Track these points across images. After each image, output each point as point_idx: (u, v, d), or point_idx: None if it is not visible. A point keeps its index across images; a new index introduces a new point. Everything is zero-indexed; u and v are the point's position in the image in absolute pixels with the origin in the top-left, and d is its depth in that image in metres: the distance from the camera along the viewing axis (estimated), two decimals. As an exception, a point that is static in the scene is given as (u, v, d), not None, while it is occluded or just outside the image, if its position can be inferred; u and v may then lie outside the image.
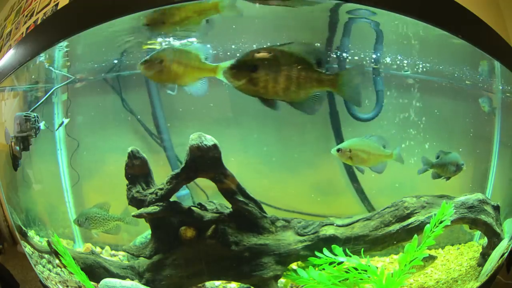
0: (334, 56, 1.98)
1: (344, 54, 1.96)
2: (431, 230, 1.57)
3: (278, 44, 1.30)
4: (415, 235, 1.59)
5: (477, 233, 2.04)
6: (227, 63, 1.34)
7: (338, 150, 1.63)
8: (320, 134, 2.12)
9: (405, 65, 1.96)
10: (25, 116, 1.87)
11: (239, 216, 1.65)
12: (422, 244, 1.57)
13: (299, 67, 1.28)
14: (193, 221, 1.65)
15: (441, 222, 1.58)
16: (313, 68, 1.29)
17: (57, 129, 2.10)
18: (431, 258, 1.67)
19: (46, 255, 1.92)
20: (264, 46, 1.32)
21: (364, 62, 2.00)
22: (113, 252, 2.10)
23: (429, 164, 1.86)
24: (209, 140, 1.57)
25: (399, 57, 1.95)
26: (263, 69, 1.27)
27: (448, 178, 1.87)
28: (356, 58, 1.98)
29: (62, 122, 2.08)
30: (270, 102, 1.32)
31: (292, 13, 1.64)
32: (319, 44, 1.70)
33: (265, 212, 1.70)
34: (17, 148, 1.88)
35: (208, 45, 1.51)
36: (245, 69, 1.28)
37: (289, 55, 1.28)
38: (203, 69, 1.46)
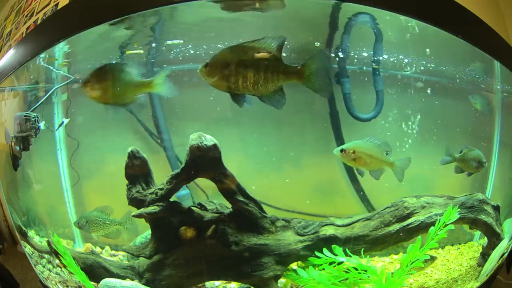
0: (334, 55, 1.99)
1: (344, 54, 1.97)
2: (435, 232, 1.57)
3: (251, 40, 1.35)
4: (419, 237, 1.60)
5: (477, 233, 2.04)
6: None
7: (341, 151, 1.63)
8: (320, 134, 2.12)
9: (405, 64, 1.96)
10: (25, 116, 1.87)
11: (239, 216, 1.65)
12: (425, 245, 1.57)
13: (266, 62, 1.34)
14: (193, 221, 1.65)
15: (445, 226, 1.59)
16: (280, 62, 1.34)
17: (57, 129, 2.10)
18: (431, 259, 1.67)
19: (46, 255, 1.92)
20: (236, 44, 1.37)
21: (365, 62, 2.00)
22: (113, 252, 2.10)
23: (452, 157, 1.86)
24: (209, 140, 1.57)
25: (399, 57, 1.95)
26: (233, 65, 1.33)
27: (470, 174, 1.88)
28: (356, 58, 1.99)
29: (62, 122, 2.08)
30: (239, 97, 1.38)
31: (292, 13, 1.64)
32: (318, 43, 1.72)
33: (265, 212, 1.70)
34: (17, 148, 1.88)
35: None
36: (217, 66, 1.35)
37: (258, 51, 1.34)
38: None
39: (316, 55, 1.38)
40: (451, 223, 1.61)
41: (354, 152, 1.61)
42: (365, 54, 1.97)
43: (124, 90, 1.53)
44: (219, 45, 1.86)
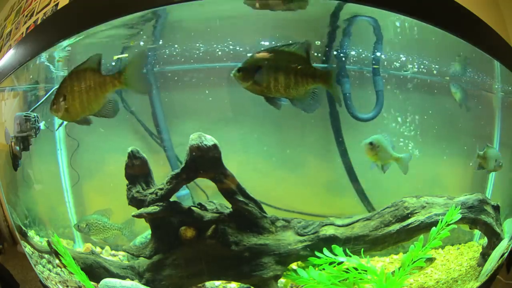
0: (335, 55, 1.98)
1: (344, 54, 1.97)
2: (437, 232, 1.58)
3: (279, 44, 1.40)
4: (421, 236, 1.60)
5: (477, 233, 2.04)
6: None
7: (370, 144, 1.65)
8: (320, 134, 2.12)
9: (405, 64, 1.96)
10: (25, 116, 1.87)
11: (239, 216, 1.65)
12: (427, 244, 1.57)
13: (296, 65, 1.38)
14: (193, 221, 1.65)
15: (448, 225, 1.59)
16: (309, 65, 1.40)
17: (57, 129, 2.10)
18: (429, 260, 1.67)
19: (46, 255, 1.92)
20: (266, 48, 1.42)
21: (365, 62, 2.00)
22: (113, 252, 2.10)
23: (476, 154, 1.88)
24: (209, 140, 1.57)
25: (399, 56, 1.95)
26: (265, 69, 1.37)
27: (489, 172, 1.92)
28: (355, 58, 1.99)
29: (62, 122, 2.08)
30: (273, 100, 1.43)
31: (292, 13, 1.64)
32: (319, 42, 1.74)
33: (265, 212, 1.70)
34: (17, 148, 1.88)
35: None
36: (250, 71, 1.38)
37: (287, 54, 1.39)
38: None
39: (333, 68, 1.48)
40: (453, 223, 1.61)
41: (378, 146, 1.63)
42: (365, 54, 1.97)
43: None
44: (219, 45, 1.86)
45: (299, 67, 1.38)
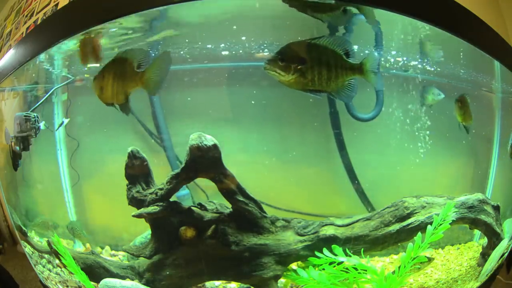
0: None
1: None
2: (435, 227, 1.58)
3: (309, 38, 1.36)
4: (419, 233, 1.60)
5: (477, 233, 2.04)
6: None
7: (460, 101, 1.68)
8: (320, 134, 2.12)
9: (406, 64, 1.96)
10: (25, 116, 1.87)
11: (239, 216, 1.65)
12: (424, 241, 1.57)
13: (335, 58, 1.37)
14: (193, 221, 1.65)
15: (444, 221, 1.59)
16: (344, 58, 1.38)
17: (57, 129, 2.10)
18: (428, 260, 1.67)
19: (46, 255, 1.92)
20: (304, 40, 1.37)
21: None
22: (113, 252, 2.10)
23: (510, 144, 1.89)
24: (209, 140, 1.57)
25: (399, 56, 1.95)
26: (310, 61, 1.33)
27: None
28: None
29: (62, 122, 2.08)
30: (313, 92, 1.39)
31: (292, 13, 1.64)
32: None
33: (265, 212, 1.70)
34: (17, 148, 1.88)
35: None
36: (294, 61, 1.32)
37: (325, 48, 1.35)
38: None
39: (370, 54, 1.45)
40: (452, 221, 1.61)
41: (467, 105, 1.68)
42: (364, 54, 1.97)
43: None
44: (219, 46, 1.86)
45: (338, 61, 1.36)
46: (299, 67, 1.32)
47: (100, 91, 1.50)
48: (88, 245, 2.08)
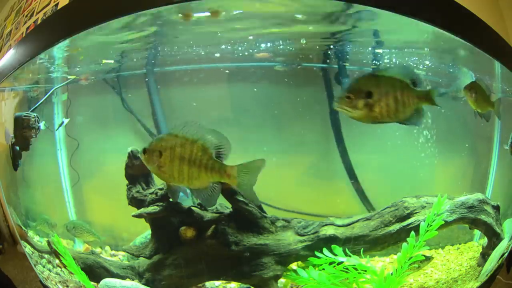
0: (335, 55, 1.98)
1: (344, 54, 1.97)
2: (428, 224, 1.57)
3: (377, 70, 1.42)
4: (412, 233, 1.59)
5: (477, 233, 2.04)
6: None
7: (469, 89, 1.62)
8: (320, 134, 2.12)
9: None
10: (25, 116, 1.87)
11: (239, 216, 1.65)
12: (420, 239, 1.57)
13: (402, 88, 1.37)
14: (193, 221, 1.65)
15: (438, 215, 1.59)
16: (411, 87, 1.39)
17: (57, 129, 2.10)
18: (427, 259, 1.67)
19: (46, 255, 1.92)
20: (368, 73, 1.41)
21: (365, 62, 2.00)
22: (113, 252, 2.10)
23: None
24: (209, 140, 1.56)
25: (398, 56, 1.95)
26: (377, 94, 1.35)
27: None
28: (355, 58, 1.99)
29: (62, 122, 2.08)
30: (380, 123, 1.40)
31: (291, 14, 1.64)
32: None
33: (265, 212, 1.70)
34: (17, 148, 1.88)
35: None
36: (361, 97, 1.34)
37: (392, 79, 1.37)
38: None
39: (436, 88, 1.44)
40: (452, 221, 1.61)
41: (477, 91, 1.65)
42: (365, 54, 1.97)
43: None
44: (220, 46, 1.86)
45: (405, 90, 1.37)
46: (366, 101, 1.35)
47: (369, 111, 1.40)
48: (87, 245, 2.09)
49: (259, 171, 1.41)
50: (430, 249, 1.98)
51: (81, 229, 2.00)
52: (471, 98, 1.66)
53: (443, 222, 1.58)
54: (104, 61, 1.95)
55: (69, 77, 2.07)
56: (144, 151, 1.41)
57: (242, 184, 1.39)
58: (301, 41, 1.88)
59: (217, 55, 1.93)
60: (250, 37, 1.83)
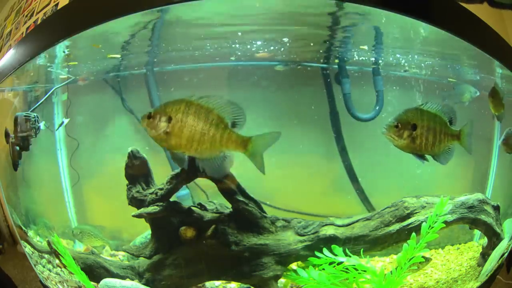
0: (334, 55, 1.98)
1: (344, 54, 1.97)
2: (430, 226, 1.57)
3: (423, 103, 1.49)
4: (413, 233, 1.59)
5: (477, 233, 2.04)
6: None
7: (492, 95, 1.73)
8: (320, 134, 2.12)
9: (405, 64, 1.96)
10: (25, 116, 1.87)
11: (239, 216, 1.65)
12: (421, 240, 1.57)
13: (441, 125, 1.51)
14: (193, 221, 1.65)
15: (439, 217, 1.59)
16: (448, 125, 1.52)
17: (57, 129, 2.10)
18: (425, 260, 1.67)
19: (46, 255, 1.92)
20: (414, 108, 1.51)
21: (365, 62, 2.00)
22: (113, 252, 2.10)
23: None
24: (209, 140, 1.56)
25: (398, 56, 1.95)
26: (421, 127, 1.47)
27: None
28: (356, 58, 1.99)
29: (62, 122, 2.08)
30: (422, 157, 1.53)
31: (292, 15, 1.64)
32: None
33: (265, 212, 1.70)
34: (17, 148, 1.88)
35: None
36: (407, 128, 1.46)
37: (435, 116, 1.50)
38: None
39: (468, 125, 1.56)
40: (452, 221, 1.60)
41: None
42: (365, 54, 1.97)
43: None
44: (220, 46, 1.86)
45: (443, 128, 1.50)
46: (410, 133, 1.47)
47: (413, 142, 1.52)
48: (87, 245, 2.09)
49: (273, 143, 1.44)
50: (430, 249, 1.98)
51: (88, 235, 2.01)
52: (493, 103, 1.71)
53: (443, 225, 1.58)
54: (109, 55, 1.94)
55: (69, 76, 2.07)
56: (150, 115, 1.37)
57: (255, 155, 1.42)
58: (301, 41, 1.88)
59: (217, 55, 1.94)
60: (250, 37, 1.83)
